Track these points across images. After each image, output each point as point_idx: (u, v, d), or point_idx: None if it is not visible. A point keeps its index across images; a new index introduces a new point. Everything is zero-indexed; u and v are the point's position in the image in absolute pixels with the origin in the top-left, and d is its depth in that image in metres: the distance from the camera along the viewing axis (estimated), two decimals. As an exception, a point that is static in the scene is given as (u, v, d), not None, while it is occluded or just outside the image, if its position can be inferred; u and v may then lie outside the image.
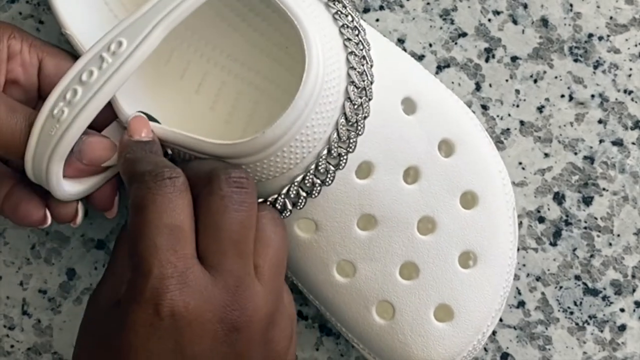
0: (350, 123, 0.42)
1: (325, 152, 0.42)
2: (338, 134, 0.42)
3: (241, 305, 0.38)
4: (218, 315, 0.38)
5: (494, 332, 0.50)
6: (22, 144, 0.41)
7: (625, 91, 0.51)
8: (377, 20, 0.51)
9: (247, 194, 0.39)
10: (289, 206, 0.42)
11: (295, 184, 0.42)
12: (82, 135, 0.41)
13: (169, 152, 0.43)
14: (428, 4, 0.51)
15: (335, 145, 0.42)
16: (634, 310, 0.50)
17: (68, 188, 0.42)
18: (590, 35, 0.51)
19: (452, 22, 0.51)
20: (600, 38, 0.51)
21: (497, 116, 0.51)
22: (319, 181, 0.42)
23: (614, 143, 0.50)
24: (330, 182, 0.42)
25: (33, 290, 0.51)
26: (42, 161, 0.40)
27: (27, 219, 0.44)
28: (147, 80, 0.46)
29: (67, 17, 0.45)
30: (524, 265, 0.50)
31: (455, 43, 0.51)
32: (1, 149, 0.41)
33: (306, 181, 0.42)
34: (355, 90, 0.42)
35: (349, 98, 0.42)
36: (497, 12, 0.51)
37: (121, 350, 0.38)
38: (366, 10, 0.51)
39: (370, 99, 0.43)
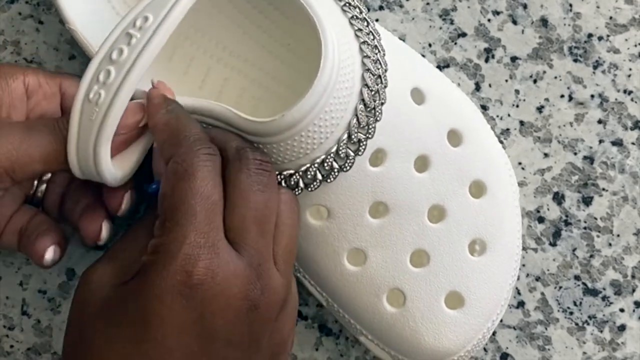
0: (368, 109, 0.42)
1: (345, 136, 0.42)
2: (357, 120, 0.42)
3: (263, 284, 0.39)
4: (243, 292, 0.38)
5: (494, 333, 0.50)
6: (57, 151, 0.40)
7: (624, 91, 0.51)
8: (377, 20, 0.51)
9: (270, 177, 0.40)
10: (302, 185, 0.43)
11: (315, 165, 0.42)
12: None
13: None
14: (428, 4, 0.51)
15: (355, 130, 0.42)
16: (634, 311, 0.50)
17: (119, 173, 0.42)
18: (590, 36, 0.51)
19: (452, 22, 0.51)
20: (600, 38, 0.51)
21: (497, 116, 0.51)
22: (337, 166, 0.42)
23: (613, 143, 0.50)
24: (348, 168, 0.43)
25: (32, 290, 0.51)
26: (87, 148, 0.40)
27: (37, 255, 0.44)
28: (150, 77, 0.46)
29: (70, 13, 0.45)
30: (523, 265, 0.50)
31: (455, 43, 0.51)
32: (39, 166, 0.41)
33: (325, 164, 0.42)
34: (372, 76, 0.42)
35: (366, 84, 0.42)
36: (496, 12, 0.51)
37: (144, 319, 0.37)
38: (366, 10, 0.51)
39: (385, 86, 0.43)
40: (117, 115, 0.39)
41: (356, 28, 0.43)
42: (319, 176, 0.43)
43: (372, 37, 0.43)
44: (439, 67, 0.51)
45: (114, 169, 0.41)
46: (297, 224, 0.42)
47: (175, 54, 0.47)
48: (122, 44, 0.39)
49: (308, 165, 0.42)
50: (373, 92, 0.42)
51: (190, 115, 0.41)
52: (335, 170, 0.43)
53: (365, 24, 0.44)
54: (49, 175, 0.46)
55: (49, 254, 0.44)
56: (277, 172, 0.43)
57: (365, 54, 0.43)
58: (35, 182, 0.46)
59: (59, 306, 0.50)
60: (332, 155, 0.42)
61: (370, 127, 0.43)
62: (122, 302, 0.38)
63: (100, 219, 0.44)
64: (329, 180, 0.43)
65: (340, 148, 0.42)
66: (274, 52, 0.47)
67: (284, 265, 0.40)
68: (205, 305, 0.37)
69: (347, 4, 0.44)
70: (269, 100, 0.47)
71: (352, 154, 0.42)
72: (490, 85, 0.51)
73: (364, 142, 0.43)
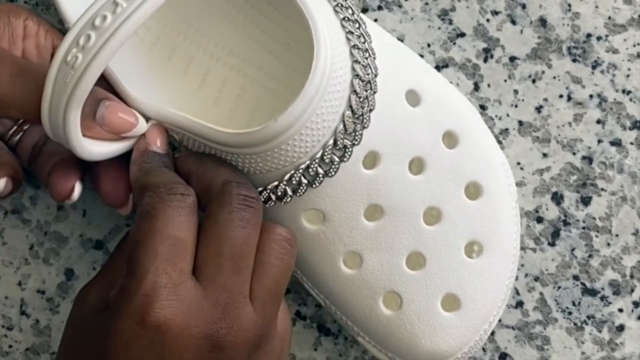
0: (356, 115, 0.42)
1: (331, 142, 0.42)
2: (344, 126, 0.42)
3: (229, 323, 0.38)
4: (204, 331, 0.37)
5: (492, 333, 0.50)
6: (36, 103, 0.40)
7: (623, 91, 0.51)
8: (376, 20, 0.51)
9: (253, 213, 0.40)
10: (290, 192, 0.43)
11: (300, 171, 0.42)
12: (103, 100, 0.41)
13: (177, 141, 0.43)
14: (426, 4, 0.51)
15: (341, 136, 0.42)
16: (632, 311, 0.50)
17: (90, 146, 0.41)
18: (589, 36, 0.51)
19: (451, 22, 0.51)
20: (599, 38, 0.51)
21: (496, 116, 0.51)
22: (322, 171, 0.42)
23: (612, 143, 0.50)
24: (333, 173, 0.42)
25: (31, 290, 0.51)
26: (58, 110, 0.39)
27: None
28: (150, 76, 0.46)
29: (70, 13, 0.45)
30: (522, 265, 0.50)
31: (454, 43, 0.51)
32: (15, 111, 0.40)
33: (310, 170, 0.42)
34: (361, 83, 0.42)
35: (355, 91, 0.42)
36: (495, 12, 0.51)
37: (103, 354, 0.37)
38: (364, 10, 0.51)
39: (375, 92, 0.43)
40: (91, 80, 0.38)
41: (347, 30, 0.43)
42: (304, 181, 0.42)
43: (362, 40, 0.43)
44: (437, 67, 0.51)
45: (89, 143, 0.41)
46: (290, 267, 0.41)
47: (174, 53, 0.47)
48: (107, 11, 0.38)
49: (292, 172, 0.42)
50: (361, 99, 0.42)
51: (163, 167, 0.41)
52: (321, 175, 0.42)
53: (357, 26, 0.43)
54: (28, 125, 0.46)
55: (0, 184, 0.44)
56: (263, 186, 0.43)
57: (355, 59, 0.42)
58: (15, 128, 0.46)
59: (58, 306, 0.50)
60: (317, 160, 0.42)
61: (357, 133, 0.42)
62: (91, 330, 0.38)
63: (73, 178, 0.44)
64: (314, 186, 0.43)
65: (326, 154, 0.42)
66: (274, 52, 0.47)
67: (263, 305, 0.39)
68: (163, 346, 0.37)
69: (339, 5, 0.43)
70: (268, 100, 0.47)
71: (337, 159, 0.42)
72: (489, 85, 0.51)
73: (350, 149, 0.42)
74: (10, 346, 0.50)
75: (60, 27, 0.48)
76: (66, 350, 0.40)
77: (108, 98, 0.41)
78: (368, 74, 0.42)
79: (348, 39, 0.43)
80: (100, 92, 0.41)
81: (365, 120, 0.42)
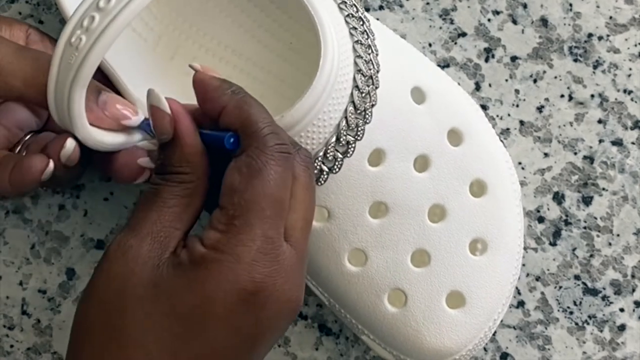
0: (358, 111, 0.42)
1: (333, 139, 0.42)
2: (347, 122, 0.42)
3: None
4: (297, 296, 0.38)
5: (493, 333, 0.50)
6: (36, 78, 0.40)
7: (624, 91, 0.51)
8: (377, 20, 0.51)
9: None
10: None
11: None
12: (103, 90, 0.40)
13: None
14: (428, 3, 0.51)
15: (344, 133, 0.42)
16: (634, 310, 0.50)
17: (96, 134, 0.40)
18: (590, 35, 0.51)
19: (452, 22, 0.51)
20: (600, 38, 0.51)
21: (497, 116, 0.51)
22: (326, 168, 0.42)
23: (613, 143, 0.51)
24: (337, 169, 0.42)
25: (33, 290, 0.51)
26: (63, 92, 0.39)
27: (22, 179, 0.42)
28: (153, 76, 0.46)
29: (72, 12, 0.45)
30: (523, 265, 0.50)
31: (455, 43, 0.51)
32: (17, 80, 0.41)
33: (315, 167, 0.42)
34: (363, 78, 0.42)
35: (357, 86, 0.42)
36: (496, 12, 0.51)
37: (200, 317, 0.36)
38: (366, 9, 0.51)
39: (377, 87, 0.43)
40: (95, 60, 0.38)
41: (351, 26, 0.43)
42: None
43: (365, 37, 0.43)
44: (439, 66, 0.51)
45: (94, 132, 0.40)
46: (313, 200, 0.40)
47: (177, 53, 0.47)
48: None
49: None
50: (363, 94, 0.42)
51: (255, 98, 0.39)
52: (325, 172, 0.42)
53: (361, 23, 0.44)
54: None
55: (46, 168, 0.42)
56: None
57: (357, 54, 0.42)
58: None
59: (59, 306, 0.50)
60: (320, 158, 0.42)
61: (360, 129, 0.42)
62: (174, 292, 0.36)
63: (142, 153, 0.43)
64: (319, 183, 0.43)
65: (329, 151, 0.42)
66: (276, 51, 0.47)
67: (299, 243, 0.39)
68: (261, 309, 0.36)
69: (344, 2, 0.43)
70: (272, 99, 0.47)
71: (340, 156, 0.42)
72: (490, 85, 0.51)
73: (353, 145, 0.42)
74: (12, 346, 0.50)
75: (61, 26, 0.48)
76: (124, 313, 0.37)
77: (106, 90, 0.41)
78: (370, 69, 0.43)
79: (351, 34, 0.43)
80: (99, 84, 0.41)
81: (367, 116, 0.42)
